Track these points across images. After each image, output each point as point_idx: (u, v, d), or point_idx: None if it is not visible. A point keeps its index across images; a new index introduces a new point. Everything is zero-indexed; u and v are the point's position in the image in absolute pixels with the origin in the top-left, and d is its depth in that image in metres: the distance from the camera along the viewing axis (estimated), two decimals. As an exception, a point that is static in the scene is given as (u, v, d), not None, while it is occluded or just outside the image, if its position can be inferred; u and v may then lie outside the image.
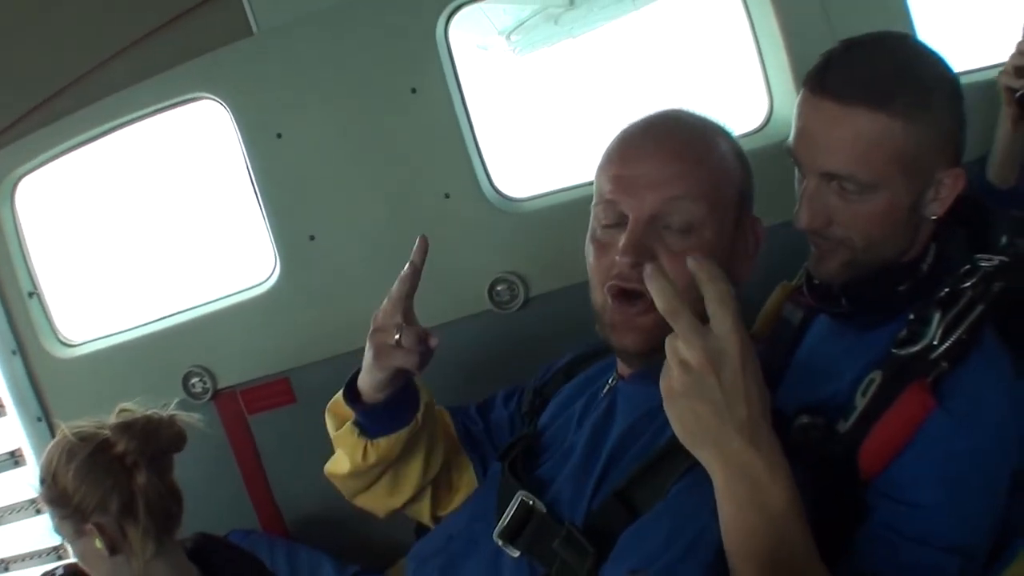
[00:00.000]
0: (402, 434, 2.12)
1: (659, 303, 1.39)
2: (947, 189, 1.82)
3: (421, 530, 2.38)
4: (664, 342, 1.43)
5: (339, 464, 2.23)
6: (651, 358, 1.84)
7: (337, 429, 2.20)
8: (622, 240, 1.82)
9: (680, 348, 1.40)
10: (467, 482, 2.31)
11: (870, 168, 1.78)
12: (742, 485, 1.43)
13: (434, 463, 2.24)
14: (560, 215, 2.80)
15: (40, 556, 3.42)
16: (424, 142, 2.81)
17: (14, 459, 3.31)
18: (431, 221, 2.81)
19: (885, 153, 1.77)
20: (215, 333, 3.02)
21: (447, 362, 2.67)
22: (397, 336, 2.02)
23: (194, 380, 3.02)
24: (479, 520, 2.03)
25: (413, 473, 2.23)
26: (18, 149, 2.97)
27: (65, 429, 2.17)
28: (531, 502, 1.90)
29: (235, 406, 3.04)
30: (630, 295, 1.83)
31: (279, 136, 2.83)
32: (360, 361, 2.17)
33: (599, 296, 1.92)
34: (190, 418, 2.24)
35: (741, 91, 3.20)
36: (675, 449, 1.50)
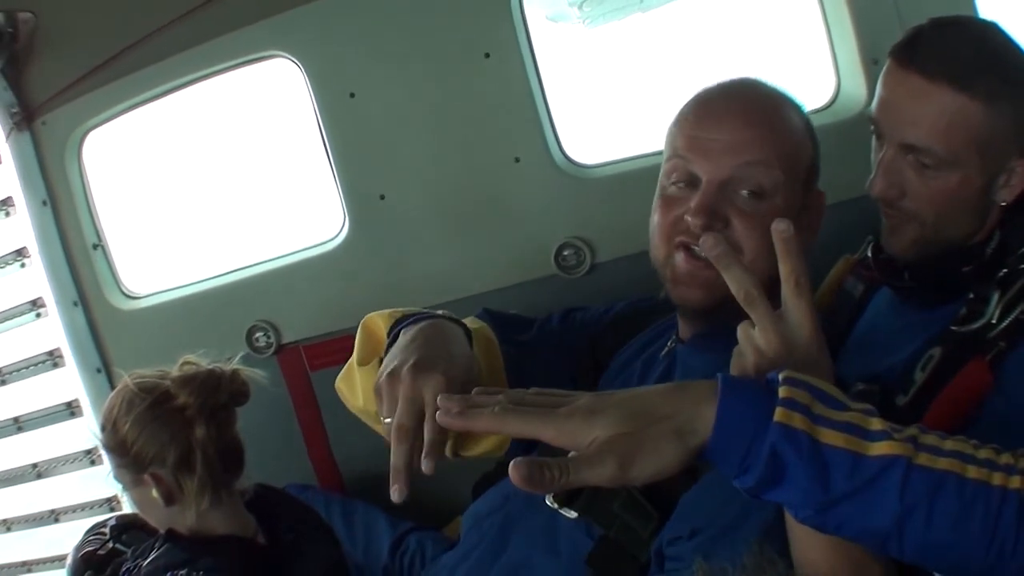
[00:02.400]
0: None
1: (734, 289, 1.41)
2: (1018, 177, 1.84)
3: (478, 489, 2.39)
4: (725, 298, 1.47)
5: (355, 395, 2.16)
6: (712, 316, 1.88)
7: (363, 357, 2.13)
8: (694, 201, 1.85)
9: (755, 335, 1.43)
10: None
11: (948, 145, 1.80)
12: None
13: None
14: (628, 182, 2.80)
15: (92, 507, 3.45)
16: (496, 106, 2.82)
17: (70, 410, 3.35)
18: (500, 184, 2.84)
19: (964, 133, 1.79)
20: (281, 289, 3.05)
21: (512, 325, 2.69)
22: None
23: (258, 335, 3.06)
24: None
25: None
26: (88, 103, 3.00)
27: (128, 379, 2.19)
28: None
29: (298, 362, 3.07)
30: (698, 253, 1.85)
31: (352, 96, 2.84)
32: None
33: (663, 249, 1.95)
34: (253, 373, 2.27)
35: (809, 69, 3.20)
36: None
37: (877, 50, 2.55)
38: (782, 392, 1.22)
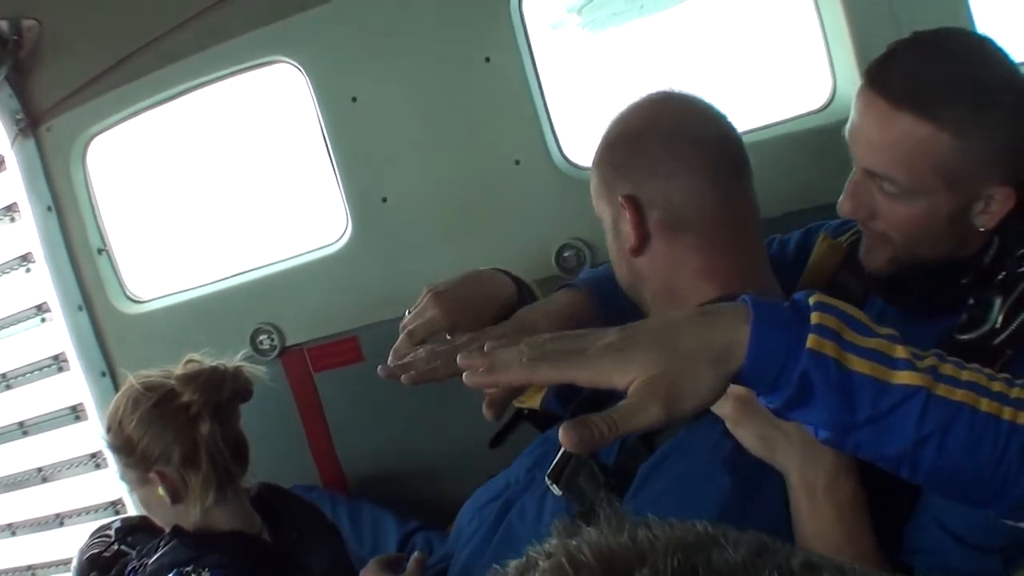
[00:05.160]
0: None
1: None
2: (998, 204, 1.77)
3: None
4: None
5: None
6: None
7: None
8: None
9: None
10: None
11: (911, 174, 1.74)
12: (815, 480, 1.58)
13: None
14: (629, 184, 2.81)
15: (97, 511, 3.46)
16: (496, 110, 2.85)
17: (75, 414, 3.36)
18: (501, 186, 2.86)
19: (927, 162, 1.73)
20: (285, 292, 3.08)
21: (513, 326, 2.71)
22: None
23: (262, 337, 3.08)
24: (538, 467, 2.07)
25: None
26: (92, 109, 3.02)
27: (132, 378, 2.20)
28: None
29: (302, 364, 3.09)
30: None
31: (354, 100, 2.87)
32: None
33: None
34: (256, 370, 2.28)
35: (808, 70, 3.21)
36: None
37: (873, 51, 2.54)
38: (814, 318, 1.24)
